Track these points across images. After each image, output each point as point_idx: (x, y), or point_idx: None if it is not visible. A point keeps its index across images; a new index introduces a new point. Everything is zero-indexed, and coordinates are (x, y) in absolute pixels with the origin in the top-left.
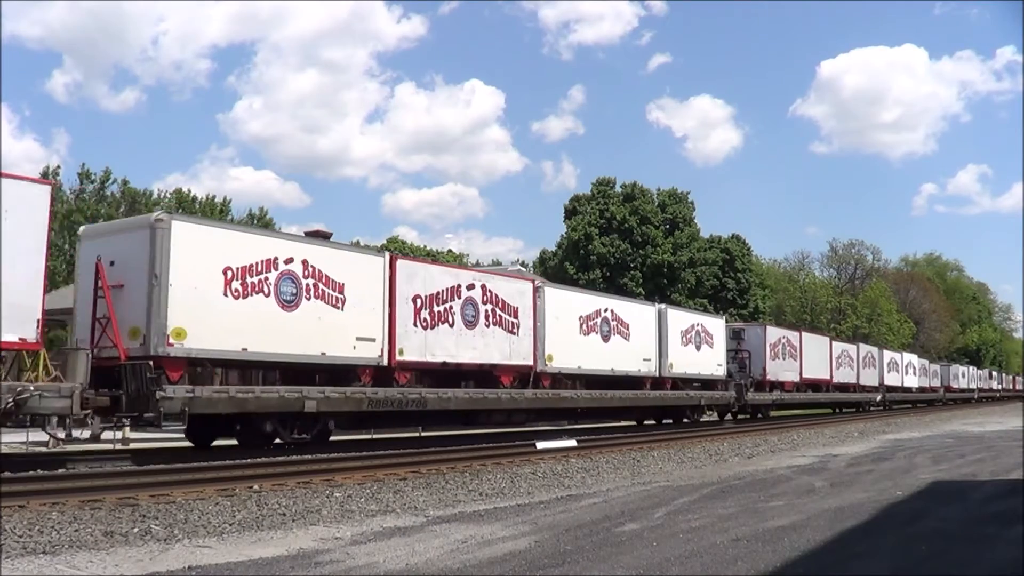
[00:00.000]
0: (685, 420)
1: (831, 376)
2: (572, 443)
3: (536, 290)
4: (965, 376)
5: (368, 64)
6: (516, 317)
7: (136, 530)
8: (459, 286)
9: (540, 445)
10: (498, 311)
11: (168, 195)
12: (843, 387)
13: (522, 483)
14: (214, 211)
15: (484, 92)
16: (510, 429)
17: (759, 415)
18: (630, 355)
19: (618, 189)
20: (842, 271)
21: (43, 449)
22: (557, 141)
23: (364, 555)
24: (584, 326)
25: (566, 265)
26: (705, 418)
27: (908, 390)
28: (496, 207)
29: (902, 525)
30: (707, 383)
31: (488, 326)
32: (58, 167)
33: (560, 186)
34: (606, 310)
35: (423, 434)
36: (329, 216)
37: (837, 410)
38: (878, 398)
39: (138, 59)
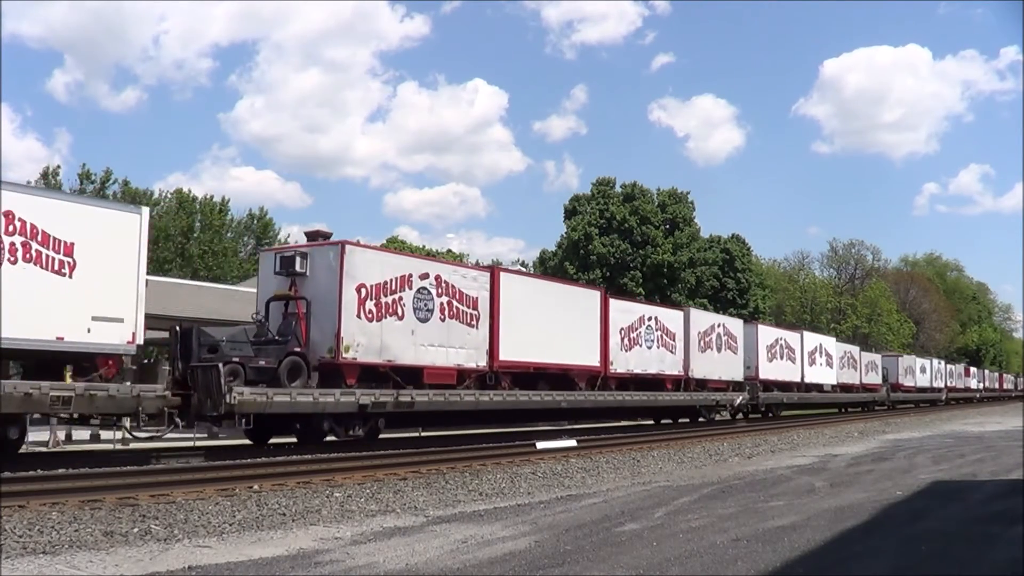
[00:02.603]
0: None
1: (604, 362)
2: (572, 443)
3: None
4: (926, 371)
5: (371, 63)
6: None
7: (136, 530)
8: None
9: (540, 445)
10: None
11: (169, 195)
12: (650, 382)
13: (522, 483)
14: (213, 211)
15: (487, 92)
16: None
17: (305, 442)
18: None
19: (618, 189)
20: (842, 271)
21: (43, 449)
22: (559, 141)
23: (364, 555)
24: None
25: (566, 265)
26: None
27: (817, 388)
28: (498, 207)
29: (902, 525)
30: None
31: None
32: (58, 167)
33: (562, 186)
34: None
35: (423, 434)
36: (330, 216)
37: (668, 421)
38: (738, 400)
39: (139, 58)
